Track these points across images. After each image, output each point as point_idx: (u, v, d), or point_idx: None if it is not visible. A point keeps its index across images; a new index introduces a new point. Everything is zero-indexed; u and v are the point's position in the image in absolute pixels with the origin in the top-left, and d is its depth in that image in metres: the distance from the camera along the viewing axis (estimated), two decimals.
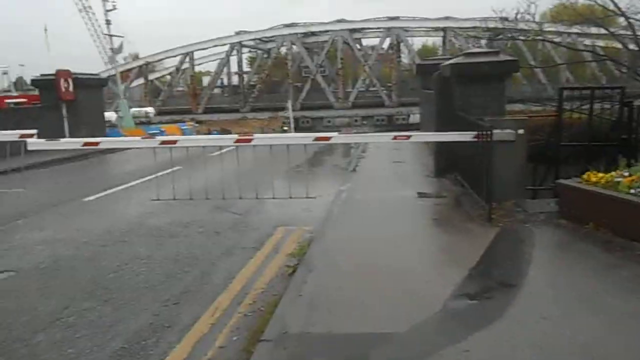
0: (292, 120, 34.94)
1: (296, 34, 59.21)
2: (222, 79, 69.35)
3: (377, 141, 8.13)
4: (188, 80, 64.86)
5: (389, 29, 58.24)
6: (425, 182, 10.02)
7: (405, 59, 72.39)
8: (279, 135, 7.68)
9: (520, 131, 7.62)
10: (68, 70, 20.17)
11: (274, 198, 7.90)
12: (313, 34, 62.57)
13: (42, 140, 8.09)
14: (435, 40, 76.11)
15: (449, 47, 58.42)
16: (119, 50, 38.04)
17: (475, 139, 7.56)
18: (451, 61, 9.27)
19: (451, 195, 8.83)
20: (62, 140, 7.82)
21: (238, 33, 60.59)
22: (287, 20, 60.78)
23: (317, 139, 7.33)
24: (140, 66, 61.96)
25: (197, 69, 67.47)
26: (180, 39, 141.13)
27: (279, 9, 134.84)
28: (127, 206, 9.96)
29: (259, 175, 9.26)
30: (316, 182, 10.44)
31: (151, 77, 66.91)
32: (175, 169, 10.48)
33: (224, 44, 61.25)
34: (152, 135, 32.22)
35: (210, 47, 61.79)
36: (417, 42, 66.67)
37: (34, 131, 7.99)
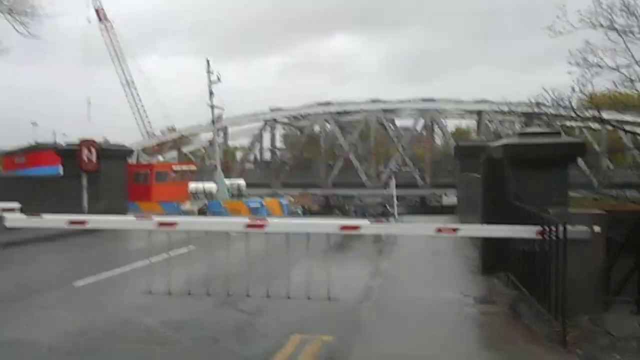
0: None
1: (330, 112, 59.46)
2: (255, 154, 69.76)
3: (415, 234, 6.65)
4: (221, 154, 65.36)
5: (423, 110, 57.96)
6: (470, 281, 8.45)
7: (438, 141, 72.00)
8: (297, 221, 6.38)
9: (597, 228, 6.13)
10: (93, 140, 19.66)
11: (288, 298, 6.47)
12: (346, 112, 62.83)
13: (23, 216, 6.97)
14: (469, 122, 75.91)
15: (483, 130, 57.65)
16: (219, 119, 39.20)
17: (539, 236, 6.12)
18: (504, 141, 7.97)
19: (504, 300, 7.25)
20: (46, 216, 6.70)
21: (272, 110, 61.28)
22: (322, 98, 61.30)
23: (343, 227, 6.01)
24: (175, 139, 62.81)
25: (231, 143, 68.29)
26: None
27: (315, 87, 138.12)
28: (116, 297, 8.52)
29: (274, 264, 7.82)
30: (341, 274, 8.95)
31: (185, 149, 67.69)
32: (187, 249, 9.24)
33: (258, 120, 61.89)
34: (255, 211, 31.51)
35: (245, 124, 62.47)
36: (450, 125, 66.00)
37: (16, 205, 6.89)
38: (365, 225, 6.08)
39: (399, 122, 66.05)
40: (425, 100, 58.78)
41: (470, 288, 7.94)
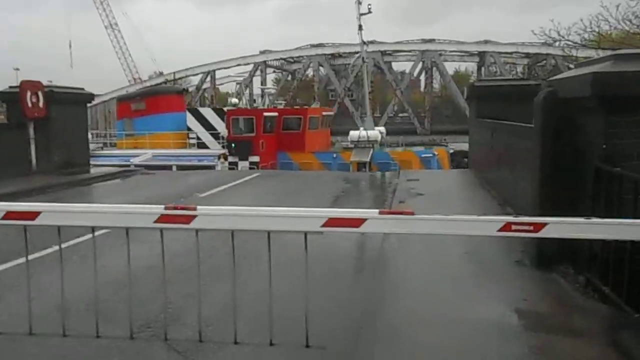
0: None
1: (324, 54, 55.76)
2: (244, 100, 66.19)
3: (457, 234, 3.86)
4: (209, 100, 61.89)
5: (423, 52, 54.33)
6: (521, 282, 5.64)
7: (436, 85, 68.65)
8: (253, 211, 3.60)
9: None
10: (38, 82, 16.55)
11: (235, 343, 3.74)
12: (341, 55, 59.15)
13: None
14: (468, 66, 72.42)
15: (485, 74, 54.29)
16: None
17: None
18: (590, 69, 4.99)
19: (589, 319, 4.60)
20: None
21: (263, 52, 57.58)
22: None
23: (330, 221, 3.27)
24: (158, 84, 59.08)
25: (222, 89, 64.71)
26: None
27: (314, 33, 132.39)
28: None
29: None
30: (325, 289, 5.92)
31: None
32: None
33: (248, 63, 58.20)
34: (427, 162, 27.19)
35: (233, 67, 58.77)
36: (449, 69, 62.37)
37: None
38: (373, 217, 3.33)
39: (396, 67, 62.64)
40: (425, 41, 55.13)
41: (526, 294, 5.25)
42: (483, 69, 56.58)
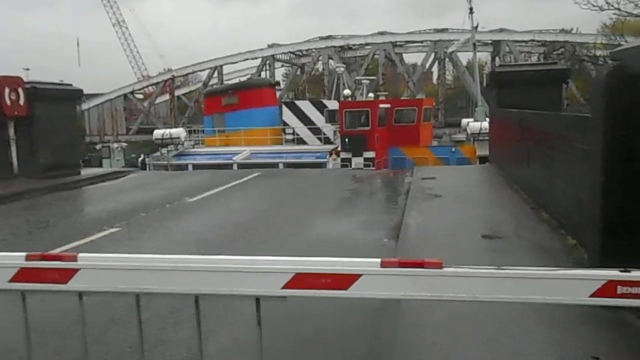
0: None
1: (333, 47, 54.10)
2: None
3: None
4: None
5: (435, 42, 52.46)
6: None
7: (449, 77, 66.65)
8: (171, 261, 2.37)
9: None
10: (18, 77, 15.27)
11: None
12: (351, 48, 57.49)
13: None
14: (482, 56, 70.38)
15: (501, 63, 52.36)
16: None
17: None
18: None
19: None
20: None
21: (271, 46, 56.03)
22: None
23: (298, 279, 1.87)
24: (165, 81, 57.89)
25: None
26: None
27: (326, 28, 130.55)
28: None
29: None
30: None
31: (179, 92, 62.86)
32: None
33: (256, 58, 56.72)
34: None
35: (240, 61, 57.36)
36: (462, 59, 60.38)
37: None
38: (371, 274, 1.91)
39: (407, 59, 60.84)
40: (437, 30, 53.27)
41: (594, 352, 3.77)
42: (497, 58, 54.65)
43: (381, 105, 28.25)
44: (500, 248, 6.11)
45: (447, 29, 53.08)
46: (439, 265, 1.95)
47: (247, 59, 56.61)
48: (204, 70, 57.79)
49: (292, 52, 57.69)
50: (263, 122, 31.74)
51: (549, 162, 7.19)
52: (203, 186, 12.84)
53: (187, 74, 60.61)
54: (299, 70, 60.73)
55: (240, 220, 8.99)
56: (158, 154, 31.64)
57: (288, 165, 24.70)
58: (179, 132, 31.93)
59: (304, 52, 58.45)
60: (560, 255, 5.61)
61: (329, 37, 54.52)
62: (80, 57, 65.50)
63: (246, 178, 14.71)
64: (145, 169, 27.87)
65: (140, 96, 63.52)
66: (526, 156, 9.02)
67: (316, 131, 30.62)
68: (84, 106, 53.27)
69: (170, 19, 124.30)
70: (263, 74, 57.34)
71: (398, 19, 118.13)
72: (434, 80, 64.70)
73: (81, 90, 18.28)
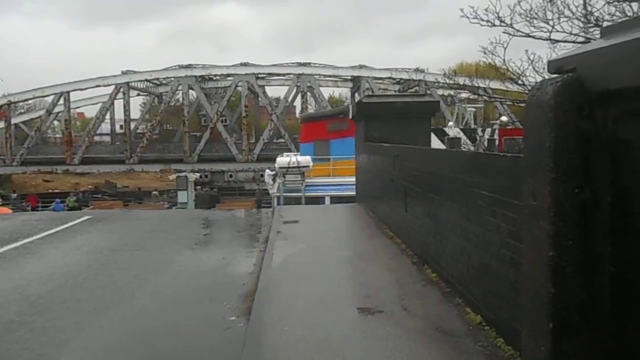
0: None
1: (194, 76, 51.67)
2: (105, 125, 59.82)
3: None
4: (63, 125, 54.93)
5: (298, 75, 52.33)
6: None
7: (311, 110, 67.20)
8: None
9: None
10: None
11: None
12: (212, 78, 55.55)
13: None
14: (342, 92, 72.21)
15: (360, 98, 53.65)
16: None
17: None
18: None
19: None
20: None
21: (125, 72, 52.01)
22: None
23: None
24: (0, 106, 51.19)
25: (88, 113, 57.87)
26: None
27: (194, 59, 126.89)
28: None
29: None
30: None
31: (16, 120, 56.02)
32: None
33: (108, 85, 52.33)
34: None
35: (90, 87, 52.50)
36: (324, 93, 61.07)
37: None
38: None
39: (271, 93, 60.37)
40: (300, 64, 53.32)
41: None
42: (357, 94, 55.95)
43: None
44: (382, 329, 4.56)
45: (309, 63, 53.35)
46: None
47: (98, 86, 51.97)
48: (47, 96, 52.05)
49: (148, 80, 54.17)
50: None
51: (437, 209, 5.88)
52: (15, 234, 10.03)
53: (26, 99, 54.25)
54: (156, 99, 57.32)
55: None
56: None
57: None
58: (307, 160, 25.66)
59: (162, 81, 55.33)
60: (466, 339, 4.21)
61: (189, 66, 52.02)
62: None
63: (70, 224, 12.01)
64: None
65: None
66: (403, 199, 7.75)
67: None
68: None
69: (25, 39, 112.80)
70: (117, 103, 53.18)
71: (264, 54, 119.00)
72: (296, 114, 64.77)
73: None
